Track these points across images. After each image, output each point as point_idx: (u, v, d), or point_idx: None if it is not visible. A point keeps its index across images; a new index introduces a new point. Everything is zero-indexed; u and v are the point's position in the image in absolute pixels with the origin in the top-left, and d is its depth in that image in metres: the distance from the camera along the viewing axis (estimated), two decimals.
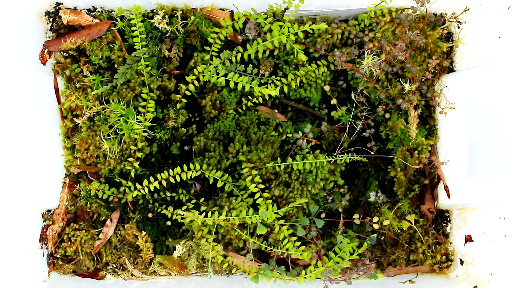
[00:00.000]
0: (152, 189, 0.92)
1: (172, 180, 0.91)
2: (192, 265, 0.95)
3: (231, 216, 0.84)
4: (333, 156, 0.87)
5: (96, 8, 0.95)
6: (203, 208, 0.92)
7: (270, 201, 0.88)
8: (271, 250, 0.87)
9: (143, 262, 0.95)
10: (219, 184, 0.91)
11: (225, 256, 0.89)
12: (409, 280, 0.88)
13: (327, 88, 0.91)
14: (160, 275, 0.95)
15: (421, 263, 0.90)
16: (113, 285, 0.91)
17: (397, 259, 0.91)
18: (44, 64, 0.94)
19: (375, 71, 0.83)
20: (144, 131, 0.91)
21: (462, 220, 0.87)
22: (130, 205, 0.94)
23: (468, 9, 0.81)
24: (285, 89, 0.92)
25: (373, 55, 0.83)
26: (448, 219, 0.92)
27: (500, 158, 0.75)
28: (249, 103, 0.93)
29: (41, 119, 0.91)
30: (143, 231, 0.95)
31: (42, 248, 0.91)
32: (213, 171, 0.90)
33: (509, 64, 0.72)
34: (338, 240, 0.85)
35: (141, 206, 0.96)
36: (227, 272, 0.94)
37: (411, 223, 0.89)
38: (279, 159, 0.91)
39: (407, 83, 0.83)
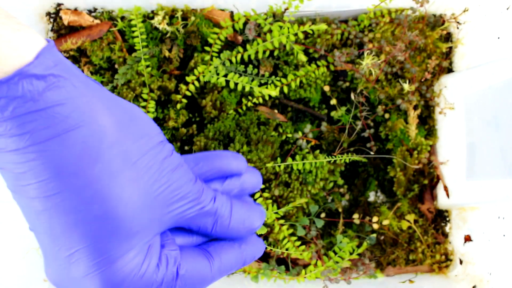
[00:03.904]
0: None
1: None
2: None
3: None
4: (333, 156, 0.88)
5: (97, 9, 0.95)
6: None
7: (270, 201, 0.88)
8: (271, 249, 0.87)
9: None
10: None
11: None
12: (409, 280, 0.88)
13: (326, 88, 0.91)
14: None
15: (421, 262, 0.90)
16: None
17: (396, 258, 0.91)
18: None
19: (375, 71, 0.83)
20: None
21: (461, 220, 0.87)
22: None
23: (467, 10, 0.81)
24: (285, 89, 0.92)
25: (372, 56, 0.84)
26: (447, 219, 0.92)
27: (499, 158, 0.75)
28: (249, 103, 0.94)
29: None
30: None
31: None
32: None
33: (508, 65, 0.73)
34: (337, 239, 0.85)
35: None
36: None
37: (411, 223, 0.90)
38: (279, 159, 0.91)
39: (406, 83, 0.83)
